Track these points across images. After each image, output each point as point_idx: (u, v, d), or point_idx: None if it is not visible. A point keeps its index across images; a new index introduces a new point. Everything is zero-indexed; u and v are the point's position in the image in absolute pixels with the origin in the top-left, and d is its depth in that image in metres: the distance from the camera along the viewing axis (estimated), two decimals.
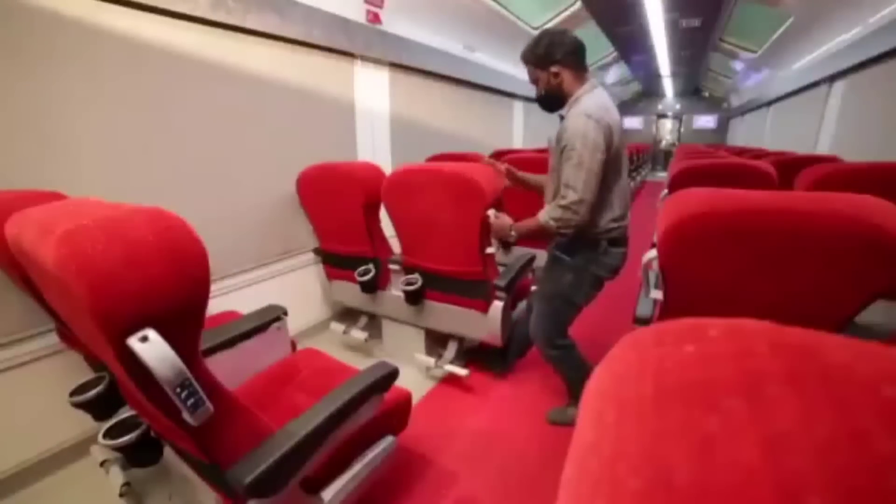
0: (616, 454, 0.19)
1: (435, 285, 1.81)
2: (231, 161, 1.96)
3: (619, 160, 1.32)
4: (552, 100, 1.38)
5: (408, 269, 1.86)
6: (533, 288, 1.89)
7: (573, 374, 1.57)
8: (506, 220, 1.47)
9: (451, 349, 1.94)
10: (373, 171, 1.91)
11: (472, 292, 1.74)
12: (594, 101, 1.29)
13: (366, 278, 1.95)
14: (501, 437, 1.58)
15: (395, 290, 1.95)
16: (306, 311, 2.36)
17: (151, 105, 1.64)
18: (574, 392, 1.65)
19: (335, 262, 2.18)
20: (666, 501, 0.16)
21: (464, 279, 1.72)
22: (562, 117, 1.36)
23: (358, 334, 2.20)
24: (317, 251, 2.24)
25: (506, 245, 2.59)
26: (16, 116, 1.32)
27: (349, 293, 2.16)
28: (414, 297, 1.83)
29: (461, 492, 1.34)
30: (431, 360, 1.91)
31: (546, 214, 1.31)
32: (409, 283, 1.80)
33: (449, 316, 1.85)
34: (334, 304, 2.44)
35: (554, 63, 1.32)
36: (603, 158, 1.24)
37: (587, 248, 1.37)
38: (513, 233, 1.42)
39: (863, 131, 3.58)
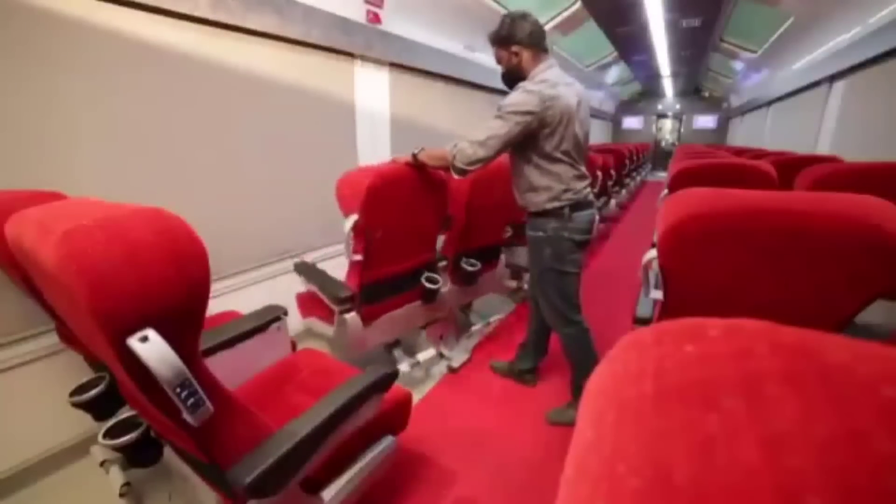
0: (616, 454, 0.19)
1: (484, 258, 1.97)
2: (231, 161, 1.96)
3: (563, 132, 1.40)
4: (512, 78, 1.48)
5: (458, 256, 1.92)
6: (525, 286, 1.92)
7: (583, 362, 1.62)
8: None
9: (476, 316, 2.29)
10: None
11: (498, 252, 1.90)
12: (543, 78, 1.40)
13: (436, 285, 1.75)
14: (501, 437, 1.58)
15: (444, 287, 1.90)
16: None
17: (151, 105, 1.65)
18: (578, 388, 1.66)
19: (384, 293, 1.69)
20: (665, 501, 0.16)
21: (501, 243, 1.90)
22: None
23: (457, 355, 1.94)
24: (349, 298, 1.54)
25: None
26: (16, 116, 1.32)
27: (397, 321, 1.77)
28: (474, 277, 1.93)
29: (461, 492, 1.34)
30: (495, 317, 2.33)
31: (455, 143, 1.43)
32: (471, 265, 1.90)
33: (482, 282, 2.06)
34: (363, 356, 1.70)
35: (514, 43, 1.43)
36: (526, 131, 1.36)
37: (552, 219, 1.48)
38: (416, 150, 1.55)
39: (863, 131, 3.58)
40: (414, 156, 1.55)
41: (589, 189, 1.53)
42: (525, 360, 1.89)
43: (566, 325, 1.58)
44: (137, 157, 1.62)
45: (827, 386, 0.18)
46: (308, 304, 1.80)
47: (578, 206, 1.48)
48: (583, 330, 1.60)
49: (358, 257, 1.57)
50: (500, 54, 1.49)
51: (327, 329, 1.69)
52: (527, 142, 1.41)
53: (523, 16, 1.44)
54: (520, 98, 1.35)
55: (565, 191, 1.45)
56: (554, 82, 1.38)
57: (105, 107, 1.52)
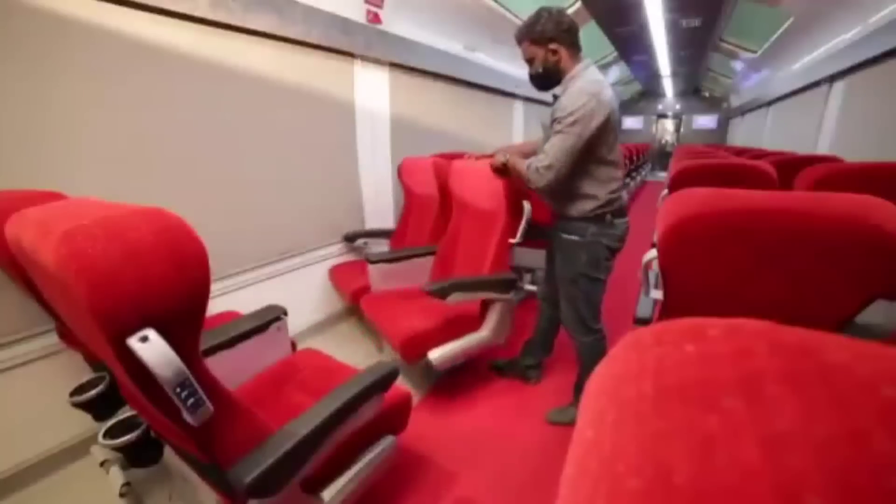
0: (616, 454, 0.19)
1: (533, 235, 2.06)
2: (231, 161, 1.96)
3: (614, 136, 1.36)
4: (549, 77, 1.40)
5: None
6: (534, 287, 1.91)
7: (593, 369, 1.57)
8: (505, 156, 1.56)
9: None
10: None
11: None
12: (592, 79, 1.32)
13: None
14: (501, 437, 1.58)
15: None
16: (306, 311, 2.36)
17: (151, 105, 1.65)
18: (582, 391, 1.65)
19: None
20: (665, 501, 0.16)
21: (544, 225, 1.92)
22: (555, 97, 1.40)
23: None
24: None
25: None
26: (16, 116, 1.32)
27: None
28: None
29: (461, 492, 1.34)
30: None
31: (528, 165, 1.39)
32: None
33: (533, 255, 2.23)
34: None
35: (552, 41, 1.34)
36: (588, 138, 1.28)
37: (594, 224, 1.41)
38: (505, 157, 1.52)
39: (863, 131, 3.58)
40: (504, 164, 1.53)
41: (623, 195, 1.48)
42: (529, 356, 1.88)
43: (586, 333, 1.53)
44: (137, 157, 1.62)
45: (827, 386, 0.18)
46: (440, 330, 1.67)
47: (619, 212, 1.43)
48: (601, 338, 1.55)
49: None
50: (533, 52, 1.37)
51: (475, 339, 1.72)
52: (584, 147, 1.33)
53: (560, 11, 1.35)
54: (580, 102, 1.26)
55: (610, 196, 1.40)
56: (603, 82, 1.32)
57: (105, 107, 1.52)
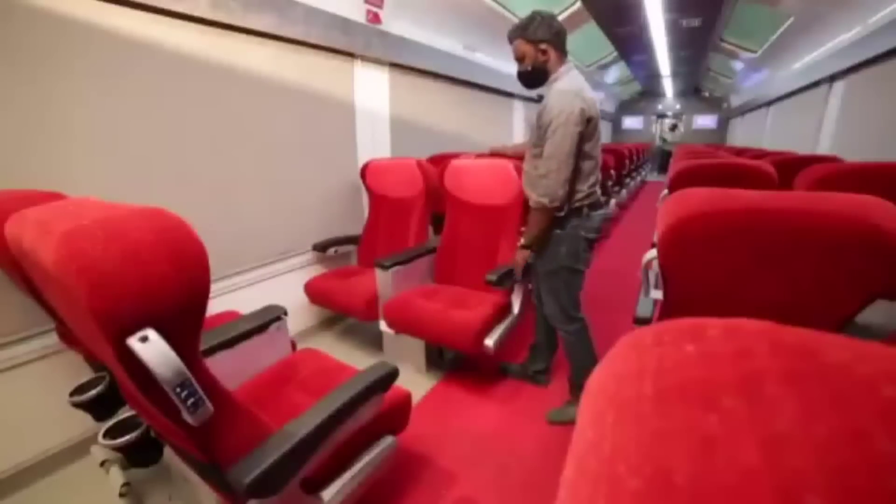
0: (616, 454, 0.19)
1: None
2: (231, 161, 1.96)
3: (596, 133, 1.45)
4: (536, 76, 1.50)
5: None
6: (529, 286, 1.93)
7: (583, 359, 1.63)
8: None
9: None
10: None
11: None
12: (573, 81, 1.42)
13: None
14: (501, 437, 1.58)
15: None
16: (307, 311, 2.36)
17: (151, 105, 1.64)
18: (578, 384, 1.68)
19: None
20: (665, 501, 0.16)
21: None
22: (540, 97, 1.50)
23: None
24: None
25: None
26: (16, 117, 1.32)
27: None
28: None
29: (461, 492, 1.34)
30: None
31: (534, 196, 1.44)
32: None
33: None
34: None
35: (543, 41, 1.44)
36: (580, 134, 1.36)
37: (572, 217, 1.49)
38: (524, 241, 1.55)
39: (863, 131, 3.58)
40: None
41: (598, 189, 1.56)
42: (538, 360, 1.90)
43: (569, 322, 1.59)
44: (137, 156, 1.62)
45: (827, 386, 0.18)
46: (489, 317, 1.74)
47: (595, 205, 1.52)
48: (584, 327, 1.61)
49: None
50: (524, 50, 1.47)
51: (512, 320, 1.88)
52: None
53: (552, 16, 1.45)
54: (565, 101, 1.35)
55: (590, 190, 1.48)
56: (583, 85, 1.41)
57: (105, 107, 1.52)
